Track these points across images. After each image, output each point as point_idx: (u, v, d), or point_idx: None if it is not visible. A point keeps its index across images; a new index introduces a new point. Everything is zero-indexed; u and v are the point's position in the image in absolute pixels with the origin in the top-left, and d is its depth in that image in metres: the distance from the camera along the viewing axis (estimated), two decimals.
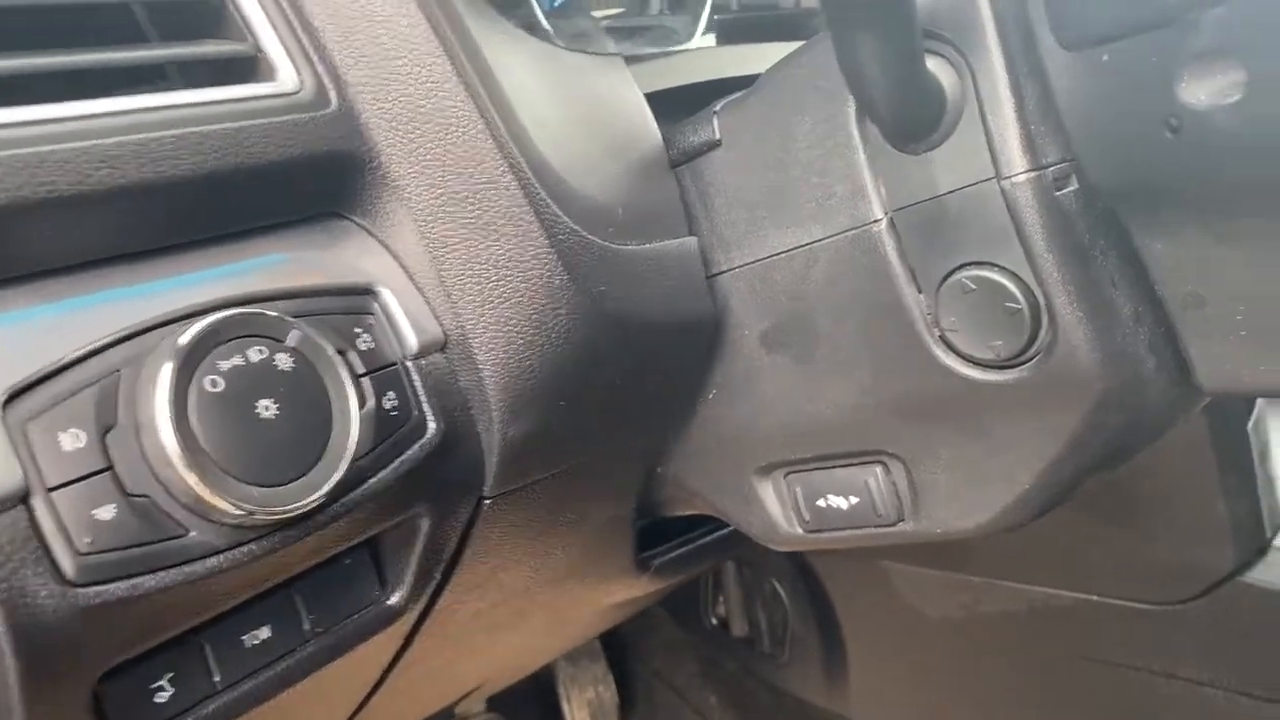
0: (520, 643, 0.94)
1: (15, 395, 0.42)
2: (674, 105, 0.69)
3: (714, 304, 0.67)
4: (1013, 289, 0.55)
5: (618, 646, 1.65)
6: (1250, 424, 0.99)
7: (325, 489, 0.49)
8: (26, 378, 0.43)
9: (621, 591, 0.90)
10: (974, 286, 0.56)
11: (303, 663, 0.56)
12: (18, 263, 0.44)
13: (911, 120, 0.55)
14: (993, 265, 0.55)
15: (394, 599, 0.60)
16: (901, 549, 1.16)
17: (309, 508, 0.49)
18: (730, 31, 0.81)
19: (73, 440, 0.44)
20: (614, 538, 0.78)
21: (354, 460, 0.52)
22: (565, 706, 1.61)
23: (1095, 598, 1.06)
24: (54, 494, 0.43)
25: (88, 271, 0.47)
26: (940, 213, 0.56)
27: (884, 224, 0.59)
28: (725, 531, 0.91)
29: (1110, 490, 1.01)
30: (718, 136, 0.65)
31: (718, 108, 0.66)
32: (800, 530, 0.71)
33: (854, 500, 0.67)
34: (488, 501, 0.62)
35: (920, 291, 0.59)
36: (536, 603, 0.82)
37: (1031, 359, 0.56)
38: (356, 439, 0.51)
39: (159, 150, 0.47)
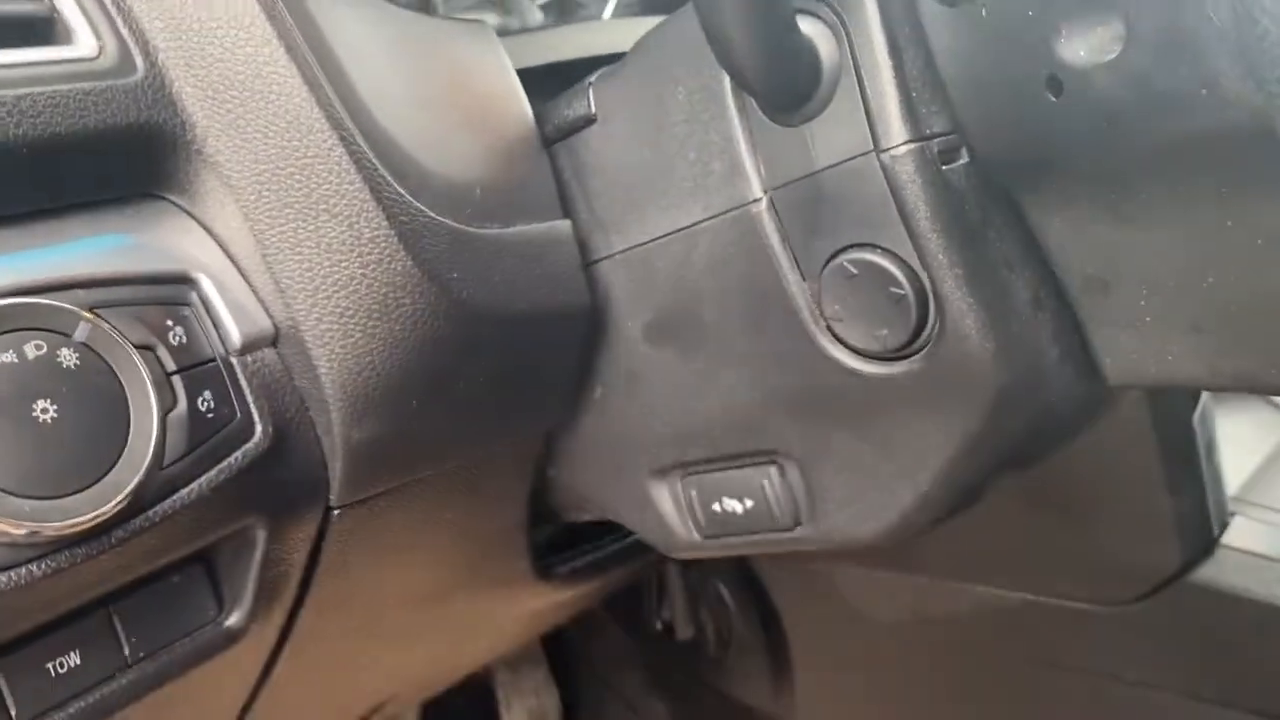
0: (423, 656, 0.88)
1: None
2: (548, 82, 0.64)
3: (591, 294, 0.62)
4: (896, 273, 0.50)
5: (560, 651, 1.60)
6: (1195, 416, 0.95)
7: (117, 501, 0.44)
8: None
9: (528, 601, 0.85)
10: (856, 271, 0.51)
11: (121, 692, 0.51)
12: None
13: (785, 89, 0.50)
14: (874, 247, 0.50)
15: (233, 619, 0.55)
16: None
17: (98, 521, 0.43)
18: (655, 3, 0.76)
19: None
20: (504, 548, 0.73)
21: (161, 467, 0.46)
22: (504, 715, 1.56)
23: (1042, 598, 1.02)
24: None
25: None
26: (819, 190, 0.51)
27: (764, 203, 0.54)
28: (633, 538, 0.86)
29: (1053, 485, 0.98)
30: (593, 111, 0.60)
31: (593, 79, 0.61)
32: (698, 536, 0.66)
33: (749, 503, 0.62)
34: (336, 511, 0.56)
35: (804, 277, 0.54)
36: (429, 617, 0.77)
37: (920, 350, 0.51)
38: (156, 444, 0.45)
39: None
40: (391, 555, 0.64)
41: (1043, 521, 0.99)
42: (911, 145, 0.48)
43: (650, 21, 0.72)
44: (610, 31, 0.74)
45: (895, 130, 0.48)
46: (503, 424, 0.62)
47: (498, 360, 0.58)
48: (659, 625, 1.41)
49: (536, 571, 0.79)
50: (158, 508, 0.47)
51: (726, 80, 0.54)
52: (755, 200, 0.54)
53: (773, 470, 0.61)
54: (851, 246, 0.51)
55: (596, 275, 0.62)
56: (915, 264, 0.50)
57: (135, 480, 0.44)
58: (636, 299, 0.61)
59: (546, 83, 0.65)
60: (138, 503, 0.45)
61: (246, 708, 0.70)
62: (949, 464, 0.54)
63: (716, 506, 0.64)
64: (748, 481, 0.62)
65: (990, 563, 1.03)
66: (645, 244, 0.60)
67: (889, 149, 0.48)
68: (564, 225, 0.61)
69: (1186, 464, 0.94)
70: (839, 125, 0.49)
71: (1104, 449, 0.92)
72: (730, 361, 0.59)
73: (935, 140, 0.48)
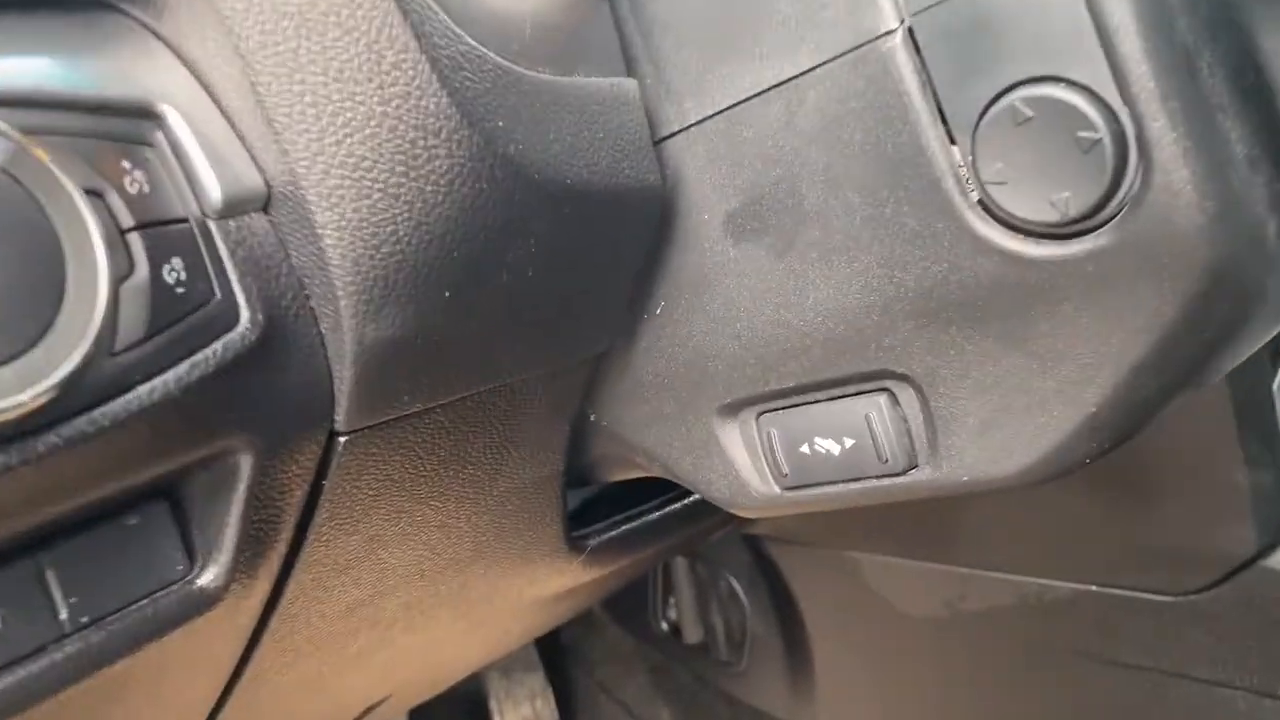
0: (425, 646, 0.76)
1: None
2: None
3: (662, 176, 0.50)
4: (1090, 112, 0.38)
5: (557, 655, 1.52)
6: (1277, 383, 0.86)
7: (47, 383, 0.31)
8: None
9: (551, 579, 0.73)
10: (1031, 113, 0.40)
11: (56, 668, 0.38)
12: None
13: None
14: (1060, 80, 0.39)
15: (207, 577, 0.42)
16: (873, 536, 1.05)
17: (22, 410, 0.31)
18: None
19: None
20: (538, 504, 0.61)
21: (112, 353, 0.34)
22: None
23: (1096, 588, 0.94)
24: None
25: None
26: (980, 11, 0.40)
27: (898, 36, 0.42)
28: (679, 505, 0.74)
29: (1111, 460, 0.89)
30: None
31: None
32: (777, 488, 0.54)
33: (850, 443, 0.51)
34: (343, 439, 0.44)
35: (950, 133, 0.42)
36: (439, 592, 0.64)
37: (1112, 217, 0.40)
38: (105, 316, 0.33)
39: None
40: (408, 505, 0.51)
41: (1099, 502, 0.90)
42: None
43: None
44: None
45: None
46: (549, 337, 0.50)
47: (551, 246, 0.45)
48: (664, 626, 1.34)
49: (568, 541, 0.66)
50: (105, 408, 0.34)
51: None
52: (888, 32, 0.42)
53: (882, 399, 0.50)
54: (1024, 83, 0.40)
55: (668, 153, 0.50)
56: (1114, 100, 0.38)
57: (74, 359, 0.32)
58: (716, 181, 0.49)
59: None
60: (75, 394, 0.33)
61: (221, 700, 0.57)
62: (1130, 373, 0.43)
63: (805, 448, 0.52)
64: (848, 415, 0.51)
65: (1038, 550, 0.95)
66: (731, 107, 0.48)
67: None
68: (630, 84, 0.49)
69: (1265, 436, 0.84)
70: None
71: (1170, 417, 0.84)
72: (838, 255, 0.47)
73: None
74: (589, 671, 1.51)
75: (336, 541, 0.49)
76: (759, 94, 0.47)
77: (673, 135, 0.50)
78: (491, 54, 0.42)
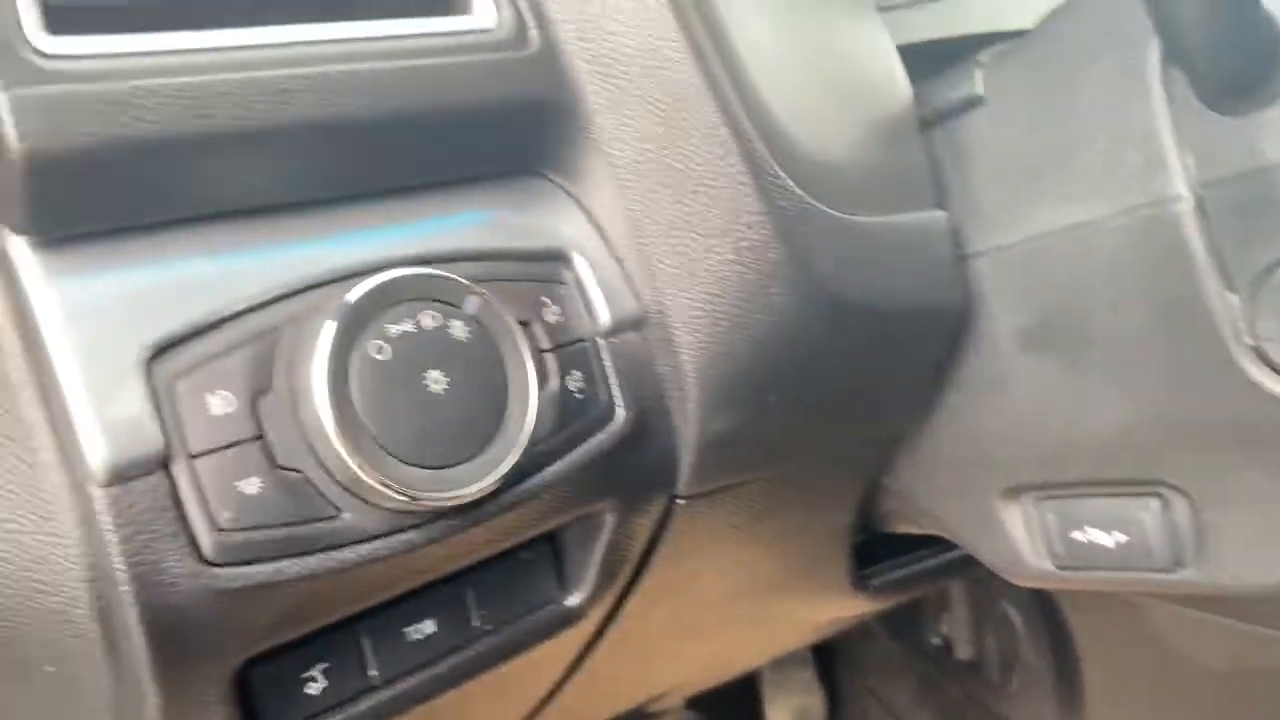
0: (720, 651, 0.87)
1: (163, 350, 0.39)
2: (927, 61, 0.59)
3: (963, 292, 0.57)
4: None
5: (829, 656, 1.56)
6: None
7: (496, 475, 0.43)
8: (176, 331, 0.39)
9: (834, 610, 0.81)
10: None
11: (469, 663, 0.51)
12: (173, 205, 0.40)
13: (1237, 71, 0.43)
14: None
15: (574, 600, 0.54)
16: None
17: (477, 495, 0.43)
18: None
19: (222, 404, 0.39)
20: (829, 552, 0.70)
21: (531, 445, 0.46)
22: (769, 712, 1.53)
23: None
24: (197, 461, 0.39)
25: (251, 219, 0.42)
26: (1267, 190, 0.44)
27: (1189, 202, 0.47)
28: (956, 554, 0.80)
29: None
30: (980, 91, 0.55)
31: (982, 58, 0.56)
32: (1050, 566, 0.60)
33: (1121, 538, 0.56)
34: (681, 501, 0.55)
35: (1230, 289, 0.47)
36: (739, 613, 0.75)
37: None
38: (534, 421, 0.44)
39: (331, 86, 0.42)
40: (723, 549, 0.61)
41: None
42: None
43: None
44: (985, 9, 0.68)
45: None
46: (853, 425, 0.58)
47: (858, 357, 0.54)
48: (936, 640, 1.34)
49: (853, 580, 0.75)
50: (524, 485, 0.46)
51: (1153, 59, 0.47)
52: (1178, 198, 0.47)
53: (1154, 503, 0.54)
54: None
55: (969, 271, 0.57)
56: None
57: (513, 457, 0.44)
58: (1014, 300, 0.56)
59: (914, 62, 0.60)
60: (511, 479, 0.45)
61: (559, 686, 0.70)
62: None
63: (1079, 536, 0.58)
64: (1121, 512, 0.56)
65: None
66: (1030, 240, 0.54)
67: None
68: (939, 216, 0.56)
69: None
70: None
71: None
72: (1121, 378, 0.52)
73: None
74: (859, 676, 1.54)
75: (665, 574, 0.60)
76: (1057, 232, 0.53)
77: (976, 255, 0.57)
78: (823, 207, 0.51)
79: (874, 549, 0.80)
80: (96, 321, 0.38)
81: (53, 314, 0.37)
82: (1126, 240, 0.50)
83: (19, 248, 0.38)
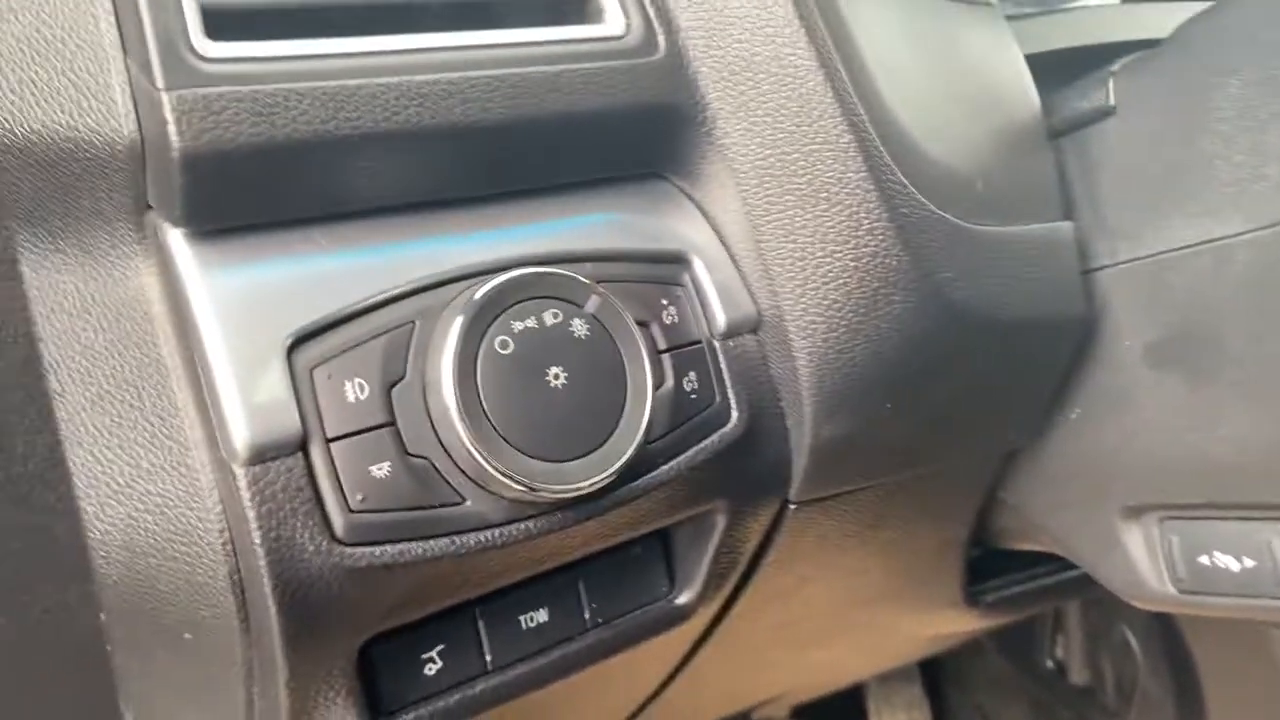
0: (827, 660, 0.86)
1: (303, 339, 0.41)
2: (1054, 71, 0.58)
3: (1088, 305, 0.56)
4: None
5: (936, 672, 1.53)
6: None
7: (611, 471, 0.44)
8: (316, 322, 0.41)
9: (944, 624, 0.80)
10: None
11: (579, 653, 0.52)
12: (317, 202, 0.43)
13: None
14: None
15: (683, 598, 0.55)
16: None
17: (591, 489, 0.44)
18: None
19: (357, 391, 0.41)
20: (942, 565, 0.69)
21: (646, 443, 0.47)
22: None
23: None
24: (333, 445, 0.41)
25: (388, 217, 0.45)
26: None
27: None
28: (1073, 574, 0.78)
29: None
30: (1112, 102, 0.54)
31: (1115, 67, 0.54)
32: (1173, 589, 0.58)
33: (1249, 563, 0.54)
34: (793, 506, 0.55)
35: None
36: (847, 622, 0.74)
37: None
38: (649, 419, 0.46)
39: (471, 91, 0.44)
40: (833, 557, 0.61)
41: None
42: None
43: (1160, 8, 0.65)
44: (1112, 18, 0.67)
45: None
46: (970, 437, 0.57)
47: (978, 368, 0.54)
48: (1049, 663, 1.32)
49: (965, 595, 0.74)
50: (637, 482, 0.47)
51: None
52: None
53: None
54: None
55: (1094, 284, 0.56)
56: None
57: (629, 452, 0.45)
58: (1141, 314, 0.55)
59: (1040, 72, 0.59)
60: (626, 475, 0.46)
61: (664, 685, 0.71)
62: None
63: (1204, 560, 0.56)
64: (1250, 537, 0.54)
65: None
66: (1161, 254, 0.53)
67: None
68: (1065, 227, 0.55)
69: None
70: None
71: None
72: (1255, 399, 0.51)
73: None
74: (968, 693, 1.51)
75: (775, 579, 0.61)
76: (1189, 247, 0.51)
77: (1103, 268, 0.56)
78: (947, 215, 0.50)
79: (988, 565, 0.79)
80: (243, 311, 0.40)
81: (204, 302, 0.40)
82: (1263, 256, 0.48)
83: (177, 240, 0.40)
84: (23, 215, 0.41)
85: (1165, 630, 1.15)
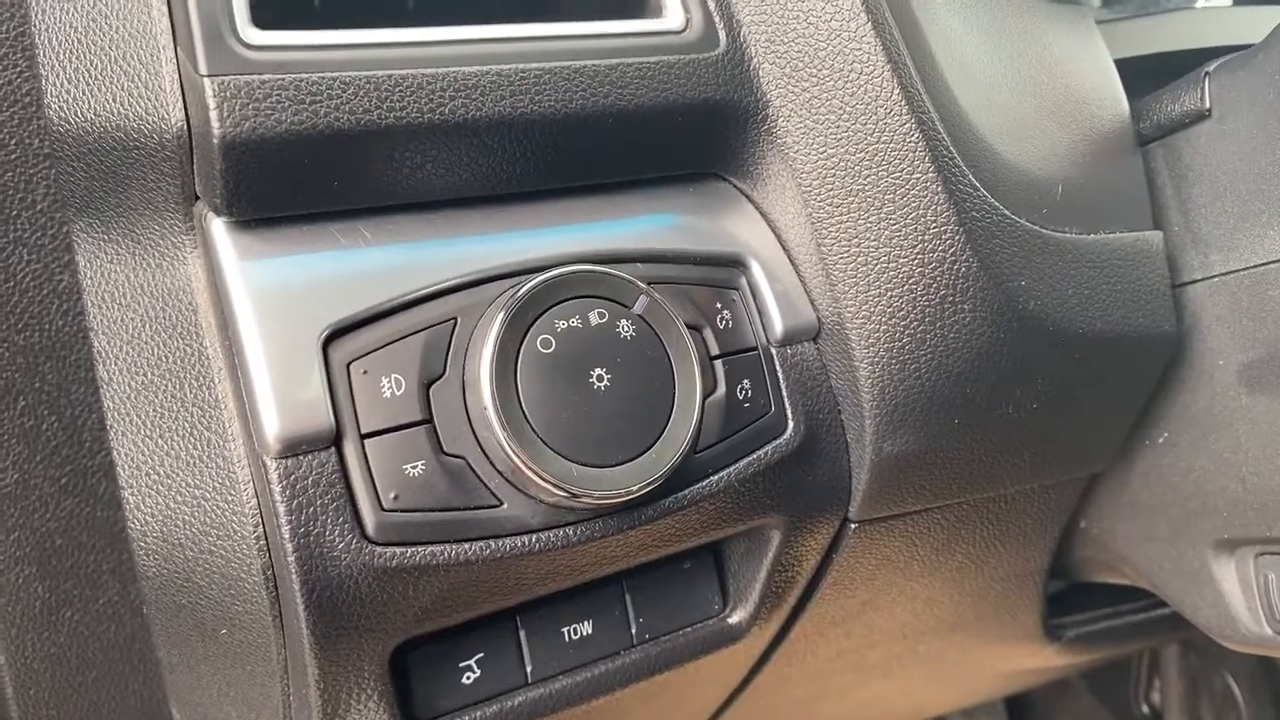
0: (895, 691, 0.82)
1: (339, 333, 0.40)
2: (1147, 76, 0.55)
3: (1178, 320, 0.52)
4: None
5: (1024, 709, 1.47)
6: None
7: (654, 478, 0.43)
8: (354, 315, 0.40)
9: (1022, 659, 0.76)
10: None
11: (625, 669, 0.50)
12: (359, 194, 0.42)
13: None
14: None
15: (736, 617, 0.53)
16: None
17: (633, 497, 0.42)
18: None
19: (393, 387, 0.41)
20: (1018, 595, 0.65)
21: (694, 451, 0.45)
22: None
23: None
24: (367, 441, 0.40)
25: (432, 212, 0.44)
26: None
27: None
28: (1163, 611, 0.73)
29: None
30: (1207, 106, 0.51)
31: (1210, 69, 0.51)
32: (1269, 630, 0.54)
33: None
34: (854, 525, 0.52)
35: None
36: (915, 653, 0.71)
37: None
38: (696, 427, 0.44)
39: (521, 84, 0.43)
40: (899, 580, 0.58)
41: None
42: None
43: (1259, 11, 0.61)
44: (1208, 21, 0.63)
45: None
46: (1048, 458, 0.54)
47: (1055, 385, 0.50)
48: (1144, 708, 1.26)
49: (1045, 629, 0.70)
50: (687, 491, 0.45)
51: None
52: None
53: None
54: None
55: (1185, 299, 0.52)
56: None
57: (674, 460, 0.43)
58: (1238, 331, 0.51)
59: (1131, 77, 0.56)
60: (672, 484, 0.44)
61: (721, 710, 0.68)
62: None
63: None
64: None
65: None
66: (1258, 266, 0.49)
67: None
68: (1154, 237, 0.52)
69: None
70: None
71: None
72: None
73: None
74: None
75: (836, 602, 0.58)
76: None
77: (1195, 282, 0.52)
78: (1021, 220, 0.48)
79: (1071, 598, 0.75)
80: (280, 301, 0.39)
81: (241, 291, 0.39)
82: None
83: (219, 229, 0.40)
84: (78, 204, 0.42)
85: (1271, 676, 1.09)
